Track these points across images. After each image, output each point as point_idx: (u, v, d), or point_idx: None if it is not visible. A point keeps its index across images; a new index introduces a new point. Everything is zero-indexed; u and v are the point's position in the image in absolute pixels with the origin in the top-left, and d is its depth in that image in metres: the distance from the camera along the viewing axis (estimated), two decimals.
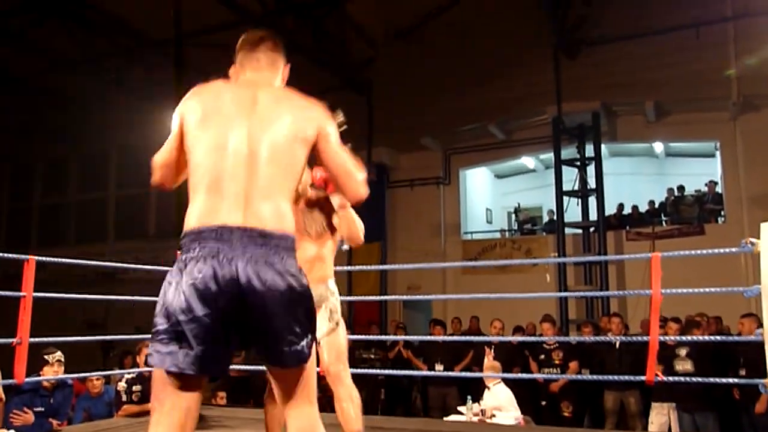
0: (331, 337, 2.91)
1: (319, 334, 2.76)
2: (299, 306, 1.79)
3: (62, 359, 4.56)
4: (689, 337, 5.10)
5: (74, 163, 16.87)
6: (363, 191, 2.02)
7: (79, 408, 5.30)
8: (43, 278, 5.04)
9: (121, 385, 4.67)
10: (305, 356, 1.84)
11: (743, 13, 9.94)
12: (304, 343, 1.81)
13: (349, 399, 2.85)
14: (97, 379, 5.32)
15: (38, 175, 17.31)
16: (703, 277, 6.89)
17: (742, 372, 5.17)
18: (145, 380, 4.75)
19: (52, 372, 4.52)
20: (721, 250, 4.14)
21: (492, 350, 5.78)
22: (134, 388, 4.67)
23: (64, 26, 11.02)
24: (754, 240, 3.74)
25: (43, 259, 3.94)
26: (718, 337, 5.20)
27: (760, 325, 3.79)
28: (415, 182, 13.07)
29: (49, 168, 17.32)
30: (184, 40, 10.00)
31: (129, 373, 4.79)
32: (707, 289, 4.12)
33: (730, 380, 4.45)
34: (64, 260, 4.41)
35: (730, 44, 10.29)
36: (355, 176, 2.00)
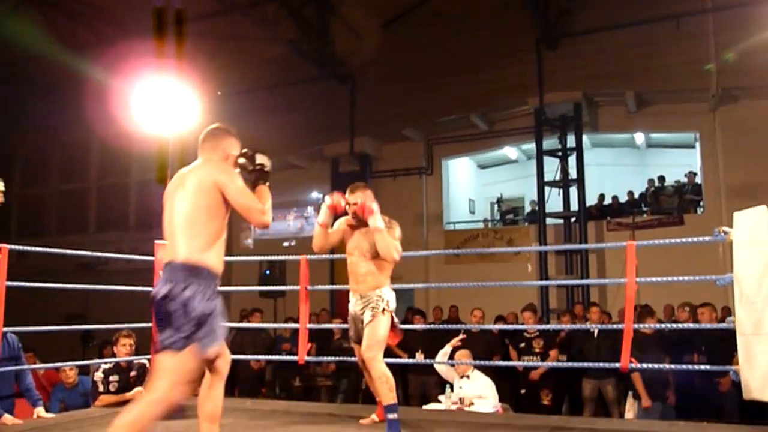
0: (368, 327, 3.59)
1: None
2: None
3: None
4: (661, 325, 5.17)
5: (55, 153, 16.69)
6: (264, 219, 2.70)
7: (54, 399, 5.27)
8: (24, 269, 4.99)
9: (98, 375, 4.65)
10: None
11: (723, 5, 10.03)
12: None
13: (379, 378, 3.50)
14: (71, 369, 5.29)
15: (18, 165, 17.11)
16: (684, 267, 6.97)
17: (703, 359, 5.27)
18: (122, 370, 4.74)
19: None
20: (695, 239, 4.19)
21: (461, 338, 5.81)
22: (111, 378, 4.64)
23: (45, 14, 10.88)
24: (727, 229, 3.80)
25: (16, 247, 3.89)
26: (689, 325, 5.28)
27: (731, 313, 3.84)
28: (398, 172, 13.08)
29: (29, 158, 17.12)
30: (167, 29, 9.91)
31: (106, 363, 4.76)
32: (680, 278, 4.18)
33: (701, 367, 4.52)
34: (36, 249, 4.35)
35: (709, 36, 10.36)
36: (254, 209, 2.67)
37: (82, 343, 10.44)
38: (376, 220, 3.63)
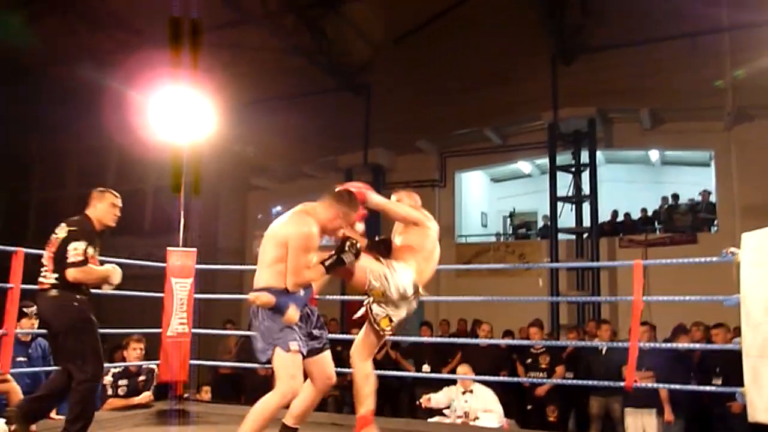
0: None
1: None
2: None
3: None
4: (666, 345, 5.15)
5: (73, 158, 16.91)
6: (289, 284, 3.08)
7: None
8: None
9: (107, 379, 4.71)
10: None
11: (739, 24, 10.00)
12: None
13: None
14: None
15: (36, 169, 17.34)
16: (697, 286, 6.93)
17: (718, 381, 5.23)
18: (131, 375, 4.80)
19: (30, 325, 4.27)
20: (703, 260, 4.19)
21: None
22: (120, 382, 4.71)
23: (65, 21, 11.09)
24: (735, 249, 3.79)
25: (32, 251, 3.97)
26: (695, 345, 5.25)
27: (739, 334, 3.83)
28: (411, 184, 13.07)
29: (48, 162, 17.35)
30: (184, 39, 10.04)
31: (115, 367, 4.82)
32: (687, 298, 4.17)
33: (707, 388, 4.49)
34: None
35: (726, 55, 10.34)
36: (289, 274, 3.07)
37: None
38: (372, 197, 3.43)
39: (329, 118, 13.06)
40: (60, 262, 3.40)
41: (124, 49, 11.86)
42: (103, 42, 11.98)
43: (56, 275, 3.40)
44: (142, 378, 4.81)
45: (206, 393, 6.58)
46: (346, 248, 3.12)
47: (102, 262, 3.70)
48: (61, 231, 3.49)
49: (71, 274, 3.37)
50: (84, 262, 3.41)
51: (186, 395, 4.98)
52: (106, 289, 3.69)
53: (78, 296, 3.43)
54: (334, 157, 13.43)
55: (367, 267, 3.26)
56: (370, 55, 13.02)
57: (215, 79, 9.41)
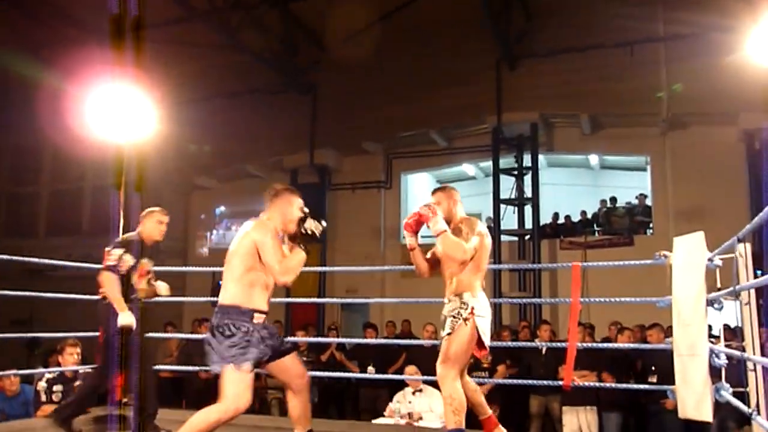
0: (445, 340, 3.32)
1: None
2: None
3: None
4: (604, 345, 5.31)
5: (6, 155, 16.24)
6: (280, 279, 3.08)
7: None
8: None
9: (41, 385, 4.54)
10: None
11: (674, 34, 10.40)
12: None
13: (446, 398, 3.24)
14: (14, 378, 5.15)
15: None
16: (633, 287, 7.18)
17: (654, 379, 5.42)
18: (67, 380, 4.64)
19: None
20: (638, 262, 4.34)
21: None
22: (55, 388, 4.55)
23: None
24: (667, 253, 3.95)
25: None
26: (630, 345, 5.44)
27: (672, 334, 3.98)
28: (357, 185, 13.12)
29: None
30: (126, 34, 9.77)
31: (50, 373, 4.66)
32: (622, 299, 4.31)
33: (640, 386, 4.66)
34: None
35: (661, 63, 10.74)
36: (273, 270, 3.06)
37: (28, 350, 10.14)
38: (437, 222, 3.33)
39: (275, 118, 12.95)
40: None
41: (61, 42, 11.46)
42: (40, 33, 11.54)
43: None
44: (78, 383, 4.66)
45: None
46: (304, 222, 3.19)
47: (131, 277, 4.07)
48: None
49: (102, 276, 3.89)
50: (114, 267, 3.86)
51: (125, 400, 4.85)
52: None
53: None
54: (280, 157, 13.32)
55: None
56: (317, 54, 12.95)
57: (158, 76, 9.19)
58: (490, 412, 3.58)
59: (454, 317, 3.30)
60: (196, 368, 6.80)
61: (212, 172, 14.10)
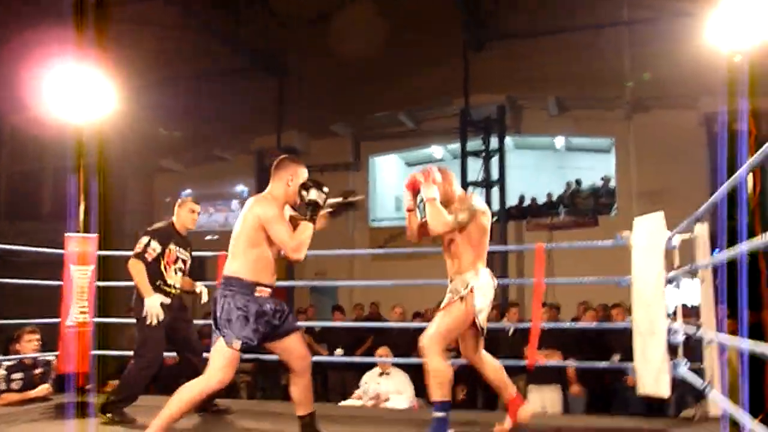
0: (438, 314, 3.27)
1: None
2: None
3: None
4: (566, 324, 5.41)
5: None
6: (293, 256, 3.01)
7: None
8: None
9: (0, 373, 4.46)
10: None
11: (637, 18, 10.52)
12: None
13: (431, 372, 3.14)
14: None
15: None
16: (598, 267, 7.30)
17: (617, 357, 5.54)
18: (26, 368, 4.56)
19: None
20: (599, 243, 4.41)
21: None
22: (14, 375, 4.46)
23: None
24: (627, 233, 4.01)
25: None
26: (592, 324, 5.55)
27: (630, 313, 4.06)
28: (325, 168, 13.03)
29: None
30: (87, 12, 9.52)
31: (8, 360, 4.57)
32: (586, 279, 4.39)
33: (602, 364, 4.77)
34: None
35: (625, 47, 10.86)
36: (285, 245, 2.99)
37: None
38: (428, 188, 3.26)
39: (242, 100, 12.78)
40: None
41: (18, 19, 11.10)
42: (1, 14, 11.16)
43: None
44: (38, 371, 4.58)
45: (112, 386, 6.32)
46: (307, 191, 3.06)
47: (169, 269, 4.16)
48: None
49: (129, 262, 3.99)
50: (140, 255, 3.96)
51: (88, 387, 4.79)
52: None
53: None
54: (247, 140, 13.17)
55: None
56: (284, 36, 12.79)
57: (122, 57, 8.99)
58: (514, 392, 3.49)
59: (455, 292, 3.26)
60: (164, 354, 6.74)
61: (178, 154, 13.89)
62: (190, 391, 3.00)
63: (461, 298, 3.21)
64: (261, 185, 12.98)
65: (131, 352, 7.53)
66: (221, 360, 2.99)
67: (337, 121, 12.77)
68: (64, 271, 4.73)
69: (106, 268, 5.75)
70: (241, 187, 13.89)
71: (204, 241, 13.17)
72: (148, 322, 3.89)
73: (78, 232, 5.02)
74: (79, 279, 4.77)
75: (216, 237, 13.24)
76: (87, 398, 4.60)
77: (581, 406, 6.25)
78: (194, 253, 4.33)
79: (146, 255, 3.96)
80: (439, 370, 3.12)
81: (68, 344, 4.62)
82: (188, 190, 14.51)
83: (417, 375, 6.04)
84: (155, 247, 3.99)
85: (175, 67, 12.65)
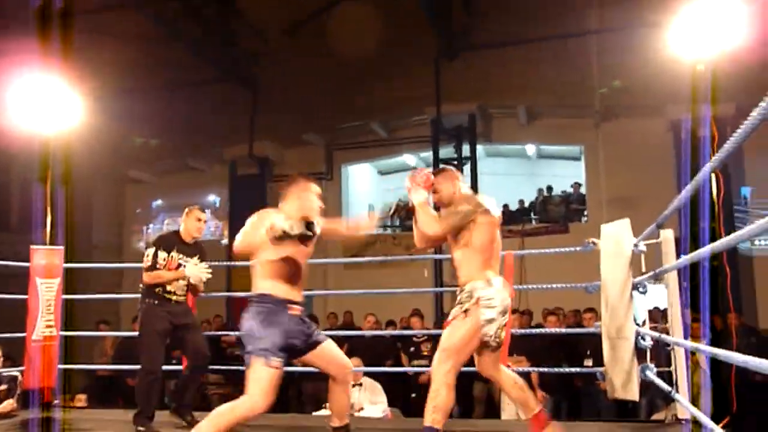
0: (445, 330, 3.01)
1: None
2: None
3: None
4: (538, 330, 5.44)
5: None
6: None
7: None
8: None
9: None
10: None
11: (605, 28, 10.71)
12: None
13: (432, 392, 2.89)
14: None
15: None
16: (570, 273, 7.38)
17: (589, 362, 5.61)
18: None
19: None
20: (567, 249, 4.47)
21: None
22: None
23: None
24: (595, 240, 4.07)
25: None
26: (561, 330, 5.60)
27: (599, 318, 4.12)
28: None
29: None
30: (53, 22, 9.40)
31: None
32: (555, 285, 4.43)
33: (572, 370, 4.81)
34: None
35: (593, 56, 11.04)
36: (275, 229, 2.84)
37: None
38: (415, 192, 3.12)
39: (214, 110, 12.71)
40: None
41: None
42: None
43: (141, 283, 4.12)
44: (3, 387, 4.49)
45: (80, 401, 6.22)
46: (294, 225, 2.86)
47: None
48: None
49: (144, 278, 4.05)
50: (152, 267, 4.02)
51: (55, 402, 4.70)
52: (201, 290, 4.26)
53: (146, 299, 4.06)
54: (219, 150, 13.09)
55: None
56: (257, 45, 12.75)
57: (91, 66, 8.87)
58: (537, 408, 3.16)
59: (460, 304, 2.99)
60: (134, 366, 6.64)
61: (149, 164, 13.74)
62: (231, 416, 2.83)
63: (465, 312, 2.94)
64: (234, 195, 12.91)
65: (99, 366, 7.45)
66: (261, 384, 2.85)
67: (310, 130, 12.76)
68: (30, 284, 4.64)
69: (73, 281, 5.66)
70: (213, 197, 13.78)
71: None
72: (203, 280, 4.11)
73: (44, 244, 4.93)
74: (46, 292, 4.69)
75: None
76: (52, 414, 4.51)
77: (550, 410, 6.29)
78: None
79: (157, 266, 4.04)
80: (440, 395, 2.86)
81: (34, 359, 4.52)
82: (159, 201, 14.36)
83: (390, 385, 6.05)
84: (161, 255, 4.06)
85: (145, 77, 12.51)
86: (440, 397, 2.85)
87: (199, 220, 4.26)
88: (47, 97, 5.19)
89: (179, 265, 4.10)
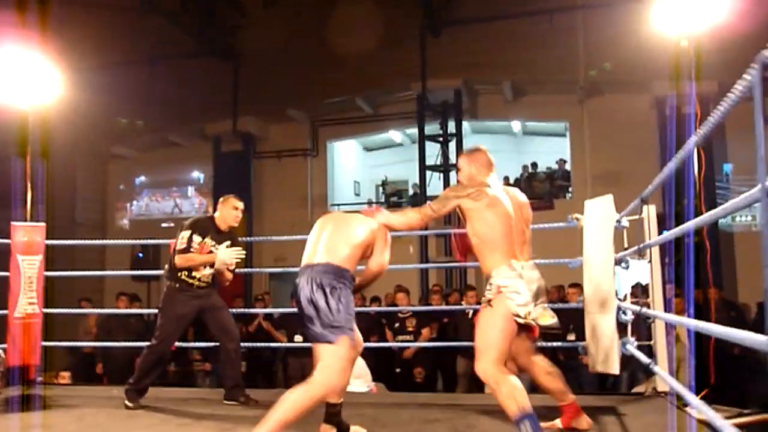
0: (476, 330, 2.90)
1: None
2: None
3: None
4: None
5: None
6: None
7: None
8: None
9: None
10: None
11: (591, 3, 10.66)
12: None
13: (495, 389, 2.75)
14: None
15: None
16: (555, 249, 7.42)
17: (572, 336, 5.67)
18: None
19: None
20: (551, 225, 4.49)
21: None
22: None
23: None
24: (578, 215, 4.09)
25: None
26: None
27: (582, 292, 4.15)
28: (283, 154, 12.94)
29: None
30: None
31: None
32: (539, 261, 4.43)
33: (554, 344, 4.86)
34: None
35: (579, 31, 11.00)
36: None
37: None
38: (378, 217, 3.18)
39: (195, 84, 12.53)
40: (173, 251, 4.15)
41: None
42: None
43: (168, 264, 4.19)
44: None
45: (63, 378, 6.20)
46: None
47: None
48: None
49: (177, 260, 4.07)
50: (186, 250, 4.05)
51: (38, 379, 4.68)
52: (228, 278, 4.26)
53: (169, 282, 4.13)
54: (202, 125, 12.95)
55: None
56: (238, 19, 12.56)
57: (68, 40, 8.70)
58: (571, 398, 3.12)
59: (484, 296, 2.92)
60: (116, 344, 6.63)
61: (131, 140, 13.57)
62: (307, 397, 2.75)
63: (489, 302, 2.85)
64: (218, 172, 12.81)
65: (83, 343, 7.42)
66: (341, 362, 2.87)
67: (294, 106, 12.64)
68: (11, 261, 4.60)
69: (56, 258, 5.60)
70: (196, 173, 13.66)
71: (160, 229, 12.95)
72: (229, 264, 4.13)
73: (25, 220, 4.87)
74: (28, 269, 4.64)
75: (172, 225, 13.03)
76: (34, 390, 4.50)
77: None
78: (151, 241, 4.28)
79: (192, 249, 4.06)
80: (500, 383, 2.72)
81: (16, 336, 4.49)
82: (142, 177, 14.21)
83: (374, 359, 6.09)
84: (196, 239, 4.08)
85: (126, 51, 12.30)
86: (503, 388, 2.71)
87: (236, 208, 4.24)
88: (25, 71, 5.09)
89: (210, 252, 4.12)
